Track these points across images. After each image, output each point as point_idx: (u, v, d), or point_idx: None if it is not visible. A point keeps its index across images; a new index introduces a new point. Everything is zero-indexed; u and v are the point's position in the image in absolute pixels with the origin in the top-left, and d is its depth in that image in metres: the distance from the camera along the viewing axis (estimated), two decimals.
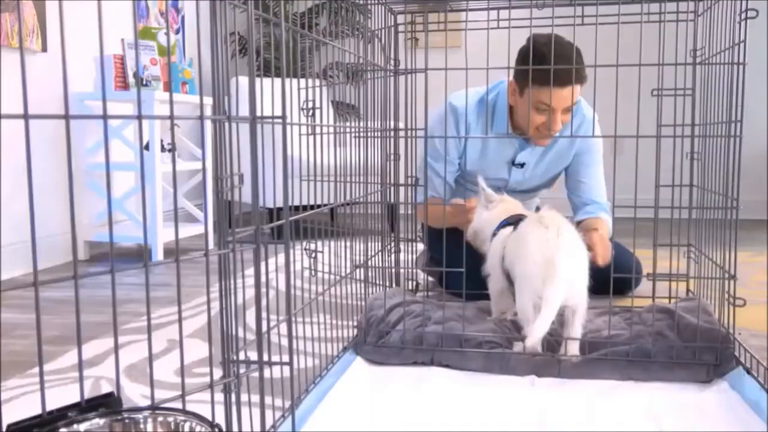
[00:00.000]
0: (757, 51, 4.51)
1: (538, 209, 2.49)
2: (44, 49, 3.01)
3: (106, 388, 1.60)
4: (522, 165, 2.34)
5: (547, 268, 1.56)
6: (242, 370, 1.05)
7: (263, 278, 1.54)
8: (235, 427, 1.04)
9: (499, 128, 2.26)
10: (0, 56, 2.75)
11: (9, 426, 0.84)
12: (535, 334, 1.49)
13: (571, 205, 2.41)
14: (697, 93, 1.78)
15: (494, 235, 1.90)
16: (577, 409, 1.42)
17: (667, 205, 1.66)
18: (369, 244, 2.02)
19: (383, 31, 2.09)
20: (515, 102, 2.20)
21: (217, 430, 0.93)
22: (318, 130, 1.68)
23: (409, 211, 2.18)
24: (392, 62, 2.11)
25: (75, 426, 0.89)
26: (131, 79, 3.23)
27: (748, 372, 1.52)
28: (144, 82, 3.27)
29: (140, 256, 3.42)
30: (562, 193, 2.45)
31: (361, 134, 1.95)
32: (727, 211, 1.59)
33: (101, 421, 0.92)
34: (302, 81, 2.50)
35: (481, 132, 2.28)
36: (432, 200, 2.17)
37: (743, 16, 1.51)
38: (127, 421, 0.93)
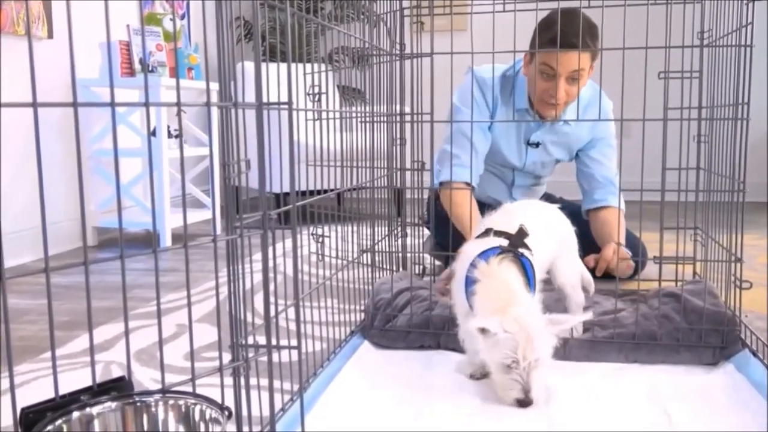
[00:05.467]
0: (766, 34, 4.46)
1: (550, 196, 2.48)
2: (50, 35, 3.01)
3: (117, 372, 1.62)
4: (537, 145, 2.33)
5: None
6: (251, 354, 1.06)
7: (271, 263, 1.54)
8: (244, 411, 1.05)
9: (519, 103, 2.25)
10: (0, 43, 2.75)
11: (23, 409, 0.86)
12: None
13: (580, 189, 2.37)
14: (704, 76, 1.78)
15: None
16: (583, 391, 1.43)
17: (673, 188, 1.65)
18: (376, 228, 2.02)
19: (389, 15, 2.08)
20: (527, 72, 2.19)
21: (226, 412, 0.94)
22: (324, 115, 1.68)
23: (416, 196, 2.17)
24: (398, 46, 2.11)
25: (88, 409, 0.91)
26: (137, 65, 3.23)
27: (754, 354, 1.53)
28: (150, 68, 3.27)
29: (148, 241, 3.43)
30: (562, 176, 2.43)
31: (367, 119, 1.95)
32: (733, 194, 1.59)
33: (113, 405, 0.93)
34: (308, 66, 2.50)
35: (504, 106, 2.26)
36: (453, 186, 2.15)
37: None
38: (138, 404, 0.95)
